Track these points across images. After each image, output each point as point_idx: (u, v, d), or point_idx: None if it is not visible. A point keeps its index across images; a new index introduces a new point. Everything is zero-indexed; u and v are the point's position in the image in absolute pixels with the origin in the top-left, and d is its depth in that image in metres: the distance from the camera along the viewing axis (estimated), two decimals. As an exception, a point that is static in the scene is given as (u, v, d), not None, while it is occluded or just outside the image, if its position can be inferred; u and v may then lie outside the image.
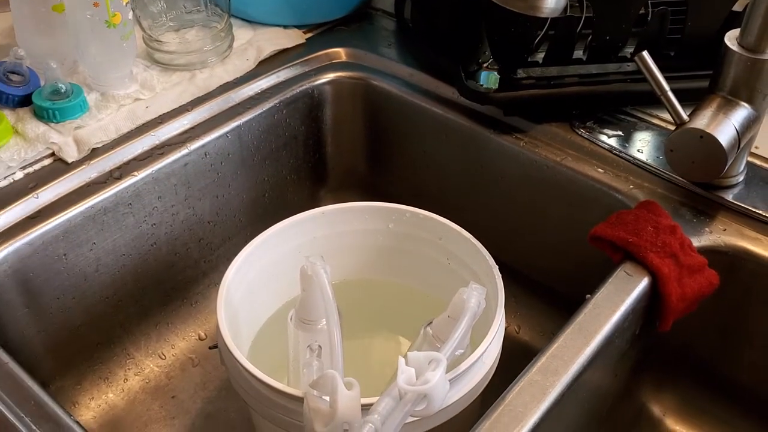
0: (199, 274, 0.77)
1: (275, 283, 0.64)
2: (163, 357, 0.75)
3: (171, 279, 0.74)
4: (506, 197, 0.73)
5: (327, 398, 0.44)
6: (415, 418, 0.48)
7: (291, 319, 0.54)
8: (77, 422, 0.48)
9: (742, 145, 0.59)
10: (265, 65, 0.79)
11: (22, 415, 0.47)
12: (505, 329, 0.56)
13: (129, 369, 0.72)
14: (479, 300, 0.49)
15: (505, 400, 0.48)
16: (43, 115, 0.66)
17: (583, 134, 0.70)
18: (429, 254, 0.65)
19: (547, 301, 0.75)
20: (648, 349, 0.66)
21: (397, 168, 0.83)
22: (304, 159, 0.82)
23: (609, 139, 0.69)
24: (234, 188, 0.76)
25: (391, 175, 0.83)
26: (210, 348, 0.72)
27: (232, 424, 0.69)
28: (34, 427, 0.47)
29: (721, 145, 0.57)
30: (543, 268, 0.74)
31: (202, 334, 0.77)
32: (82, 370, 0.70)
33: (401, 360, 0.43)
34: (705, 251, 0.60)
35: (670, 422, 0.69)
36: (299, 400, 0.47)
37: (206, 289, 0.78)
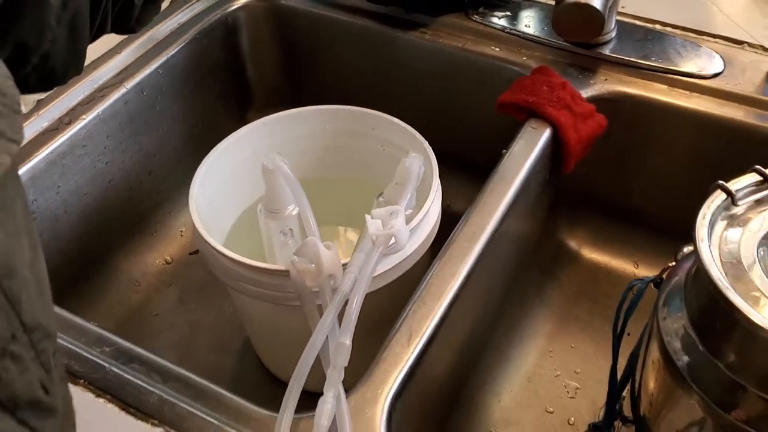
0: (154, 205, 0.83)
1: (231, 197, 0.71)
2: (138, 284, 0.81)
3: (131, 212, 0.81)
4: (420, 88, 0.82)
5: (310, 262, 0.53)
6: (386, 269, 0.58)
7: (260, 211, 0.62)
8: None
9: (610, 5, 0.69)
10: (178, 2, 0.83)
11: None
12: (438, 204, 0.65)
13: (111, 298, 0.79)
14: (420, 165, 0.59)
15: (452, 245, 0.59)
16: (-18, 77, 0.70)
17: (477, 20, 0.79)
18: (366, 145, 0.73)
19: (472, 174, 0.85)
20: (559, 193, 0.78)
21: (318, 80, 0.90)
22: (229, 84, 0.88)
23: (500, 20, 0.79)
24: (172, 120, 0.82)
25: (314, 87, 0.91)
26: (191, 254, 0.79)
27: (214, 324, 0.77)
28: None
29: (597, 9, 0.68)
30: (464, 145, 0.83)
31: (168, 258, 0.84)
32: (67, 305, 0.76)
33: (367, 216, 0.52)
34: (592, 100, 0.71)
35: (585, 252, 0.82)
36: (282, 273, 0.56)
37: (163, 218, 0.85)
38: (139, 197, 0.81)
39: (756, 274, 0.45)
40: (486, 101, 0.75)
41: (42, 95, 0.71)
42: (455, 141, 0.84)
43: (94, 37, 0.45)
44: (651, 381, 0.55)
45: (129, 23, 0.47)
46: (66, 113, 0.71)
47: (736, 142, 0.69)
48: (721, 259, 0.46)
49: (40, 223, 0.70)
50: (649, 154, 0.75)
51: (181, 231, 0.85)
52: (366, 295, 0.57)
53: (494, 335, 0.72)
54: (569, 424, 0.69)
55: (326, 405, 0.43)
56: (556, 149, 0.69)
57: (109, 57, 0.76)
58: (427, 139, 0.69)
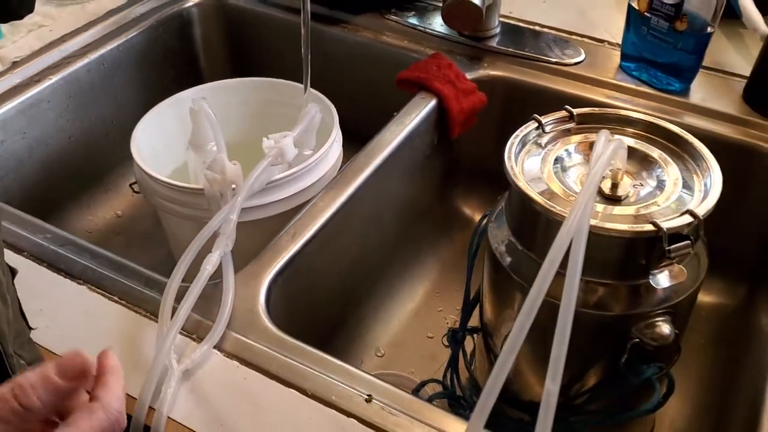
0: (109, 165, 0.97)
1: (171, 149, 0.84)
2: (90, 231, 0.94)
3: (88, 169, 0.94)
4: (342, 74, 0.97)
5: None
6: (287, 195, 0.71)
7: (188, 148, 0.76)
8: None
9: (488, 2, 0.84)
10: (141, -4, 0.99)
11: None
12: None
13: (64, 240, 0.91)
14: (316, 110, 0.73)
15: (339, 176, 0.72)
16: (-32, 41, 0.84)
17: (390, 18, 0.95)
18: (287, 113, 0.87)
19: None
20: (453, 165, 0.92)
21: (261, 68, 1.04)
22: (183, 70, 1.03)
23: (409, 19, 0.94)
24: (129, 91, 0.96)
25: (257, 75, 1.05)
26: (131, 185, 0.92)
27: (153, 264, 0.89)
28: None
29: (476, 5, 0.83)
30: (374, 122, 0.97)
31: (119, 213, 0.97)
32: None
33: (264, 138, 0.66)
34: (476, 80, 0.85)
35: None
36: (198, 191, 0.69)
37: (116, 178, 0.98)
38: (96, 156, 0.94)
39: (550, 180, 0.59)
40: (393, 83, 0.89)
41: (17, 57, 0.85)
42: (370, 118, 0.98)
43: None
44: (488, 286, 0.68)
45: None
46: (36, 74, 0.85)
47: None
48: (524, 170, 0.60)
49: (8, 163, 0.83)
50: (524, 130, 0.89)
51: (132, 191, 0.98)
52: (268, 218, 0.70)
53: (387, 273, 0.85)
54: (444, 345, 0.81)
55: (212, 257, 0.56)
56: (442, 117, 0.83)
57: (77, 33, 0.90)
58: (349, 120, 0.82)
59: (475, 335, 0.75)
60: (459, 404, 0.71)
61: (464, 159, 0.93)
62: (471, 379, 0.73)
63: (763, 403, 0.56)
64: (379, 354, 0.80)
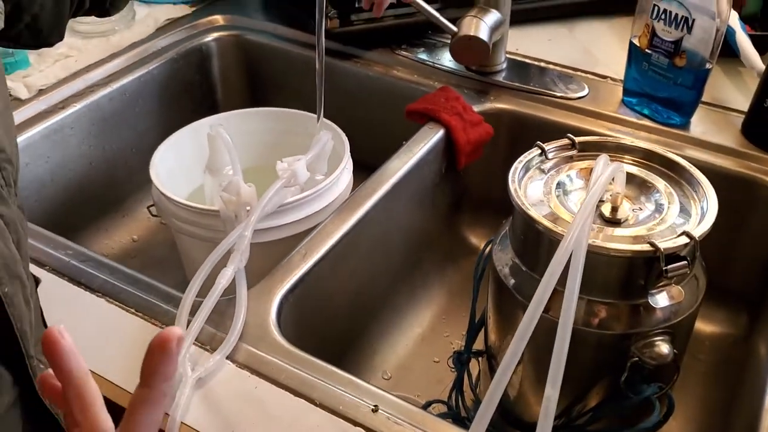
0: (127, 191, 1.00)
1: (188, 173, 0.87)
2: (107, 254, 0.96)
3: (107, 194, 0.97)
4: (354, 106, 1.00)
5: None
6: (297, 218, 0.74)
7: (205, 171, 0.79)
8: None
9: (495, 39, 0.88)
10: (162, 31, 1.03)
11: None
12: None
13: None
14: (328, 138, 0.76)
15: (349, 200, 0.75)
16: (-3, 68, 0.88)
17: (401, 54, 0.98)
18: (301, 142, 0.90)
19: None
20: (462, 195, 0.94)
21: (274, 103, 1.08)
22: (201, 103, 1.07)
23: (419, 54, 0.98)
24: (149, 121, 0.99)
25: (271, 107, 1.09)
26: (148, 207, 0.94)
27: (168, 286, 0.92)
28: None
29: (483, 40, 0.87)
30: (383, 152, 1.00)
31: (136, 237, 0.99)
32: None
33: (278, 161, 0.69)
34: (482, 113, 0.88)
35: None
36: (213, 212, 0.72)
37: (133, 204, 1.01)
38: (115, 182, 0.97)
39: (552, 203, 0.61)
40: (402, 115, 0.92)
41: (43, 85, 0.89)
42: (378, 148, 1.00)
43: (75, 13, 0.63)
44: (492, 308, 0.69)
45: (105, 5, 0.65)
46: (60, 101, 0.89)
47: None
48: (527, 194, 0.62)
49: (31, 185, 0.86)
50: (530, 161, 0.91)
51: (148, 217, 1.01)
52: (279, 241, 0.73)
53: (395, 297, 0.87)
54: (450, 368, 0.82)
55: (227, 271, 0.59)
56: (449, 147, 0.86)
57: (101, 64, 0.94)
58: (356, 147, 0.85)
59: (480, 358, 0.76)
60: (463, 425, 0.72)
61: (471, 188, 0.95)
62: (476, 401, 0.74)
63: (759, 426, 0.57)
64: (385, 377, 0.81)
